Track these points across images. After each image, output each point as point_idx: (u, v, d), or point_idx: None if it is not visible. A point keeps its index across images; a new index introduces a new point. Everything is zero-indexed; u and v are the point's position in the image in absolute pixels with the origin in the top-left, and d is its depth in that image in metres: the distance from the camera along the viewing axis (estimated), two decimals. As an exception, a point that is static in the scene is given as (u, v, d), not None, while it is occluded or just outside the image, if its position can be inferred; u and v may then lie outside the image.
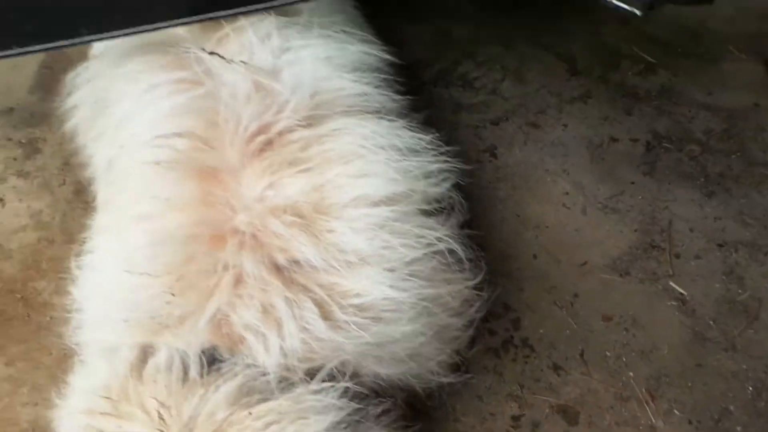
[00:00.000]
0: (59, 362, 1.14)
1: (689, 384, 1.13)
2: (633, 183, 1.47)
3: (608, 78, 1.73)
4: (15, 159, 1.49)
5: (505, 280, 1.25)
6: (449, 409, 1.05)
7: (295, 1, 0.81)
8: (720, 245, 1.34)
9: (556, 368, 1.14)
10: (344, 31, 0.90)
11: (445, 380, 0.88)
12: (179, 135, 0.72)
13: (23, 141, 1.54)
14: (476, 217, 1.35)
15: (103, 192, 0.86)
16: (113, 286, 0.68)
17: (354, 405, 0.65)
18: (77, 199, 1.41)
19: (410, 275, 0.72)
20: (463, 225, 1.00)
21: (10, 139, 1.55)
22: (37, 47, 0.85)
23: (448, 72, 1.72)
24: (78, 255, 0.81)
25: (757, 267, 1.29)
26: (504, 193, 1.45)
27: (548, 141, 1.56)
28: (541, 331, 1.19)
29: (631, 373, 1.13)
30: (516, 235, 1.36)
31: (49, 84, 1.63)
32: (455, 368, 0.94)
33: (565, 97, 1.66)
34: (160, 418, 0.59)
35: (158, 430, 0.57)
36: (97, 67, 0.89)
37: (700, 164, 1.50)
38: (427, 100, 1.59)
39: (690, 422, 1.08)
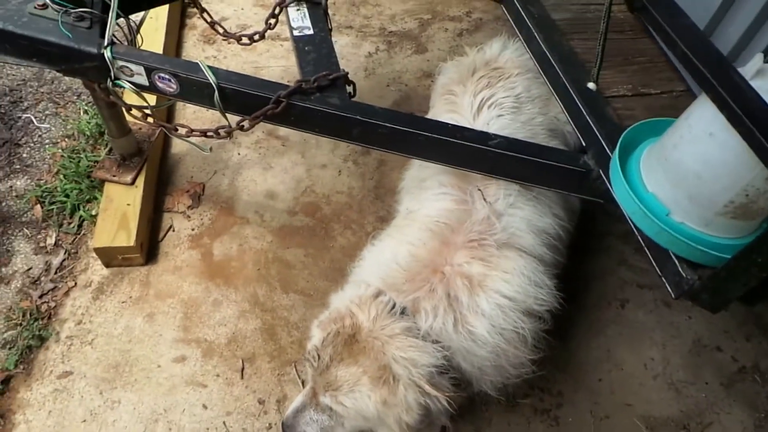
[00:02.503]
0: (329, 267, 2.15)
1: None
2: (707, 384, 1.92)
3: (753, 305, 2.13)
4: (357, 152, 2.56)
5: (570, 379, 1.89)
6: (485, 420, 1.78)
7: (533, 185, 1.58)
8: (736, 460, 1.76)
9: (563, 443, 1.77)
10: (548, 205, 1.65)
11: (492, 394, 1.59)
12: (443, 222, 1.57)
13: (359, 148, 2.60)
14: (588, 332, 2.00)
15: (399, 219, 1.76)
16: (384, 263, 1.56)
17: (445, 363, 1.42)
18: (374, 191, 2.42)
19: (500, 334, 1.45)
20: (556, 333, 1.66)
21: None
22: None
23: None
24: (372, 237, 1.73)
25: (751, 491, 1.70)
26: (613, 331, 2.04)
27: (669, 320, 2.08)
28: (570, 420, 1.81)
29: (606, 478, 1.71)
30: (598, 360, 1.96)
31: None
32: (503, 394, 1.64)
33: (705, 299, 2.13)
34: (374, 318, 1.43)
35: (371, 318, 1.41)
36: (417, 167, 1.83)
37: (772, 405, 1.88)
38: (613, 247, 2.22)
39: None
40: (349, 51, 2.92)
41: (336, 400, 1.41)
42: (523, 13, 1.83)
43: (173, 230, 2.23)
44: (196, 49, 2.88)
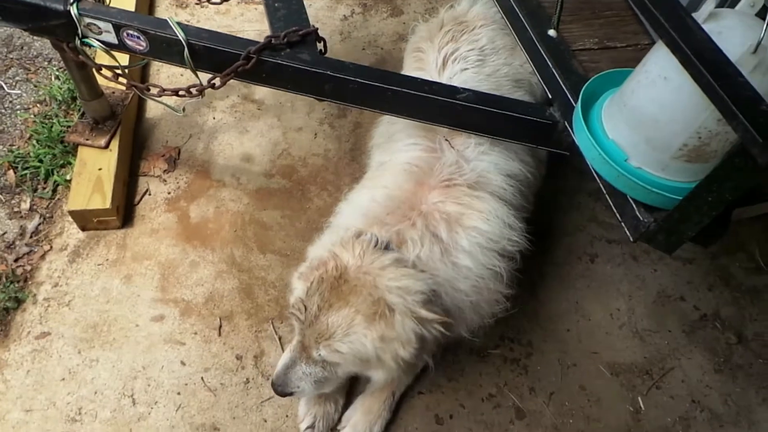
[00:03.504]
0: (305, 228, 2.18)
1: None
2: (670, 332, 2.01)
3: (717, 257, 2.21)
4: (333, 115, 2.57)
5: (540, 329, 1.96)
6: (458, 370, 1.85)
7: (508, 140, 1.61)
8: (694, 401, 1.85)
9: (531, 390, 1.84)
10: (515, 150, 1.68)
11: (466, 337, 1.60)
12: (415, 165, 1.59)
13: (341, 108, 2.61)
14: (558, 286, 2.06)
15: (371, 172, 1.77)
16: (363, 204, 1.54)
17: (436, 290, 1.40)
18: (349, 153, 2.43)
19: (480, 268, 1.46)
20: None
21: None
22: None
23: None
24: (348, 189, 1.75)
25: (707, 430, 1.79)
26: (582, 284, 2.10)
27: (635, 273, 2.15)
28: (539, 368, 1.89)
29: (571, 421, 1.78)
30: (567, 311, 2.02)
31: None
32: (475, 335, 1.68)
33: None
34: (359, 255, 1.38)
35: (357, 255, 1.37)
36: (386, 123, 1.84)
37: (731, 350, 1.97)
38: (584, 204, 2.28)
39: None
40: (325, 14, 2.90)
41: (331, 348, 1.37)
42: (492, -31, 1.85)
43: (149, 194, 2.23)
44: (168, 14, 2.83)
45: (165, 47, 1.65)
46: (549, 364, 1.90)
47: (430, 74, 1.76)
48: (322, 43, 1.73)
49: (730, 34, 1.06)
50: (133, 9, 2.58)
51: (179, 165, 2.32)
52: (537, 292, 2.05)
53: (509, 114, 1.57)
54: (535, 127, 1.59)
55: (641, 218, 1.30)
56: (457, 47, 1.77)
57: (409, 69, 1.86)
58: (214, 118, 2.47)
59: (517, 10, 1.66)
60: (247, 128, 2.45)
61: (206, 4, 2.54)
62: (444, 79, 1.72)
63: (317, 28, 1.69)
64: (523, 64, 1.77)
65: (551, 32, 1.52)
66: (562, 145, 1.60)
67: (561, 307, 2.03)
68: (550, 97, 1.59)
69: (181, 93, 1.78)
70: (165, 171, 2.29)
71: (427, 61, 1.80)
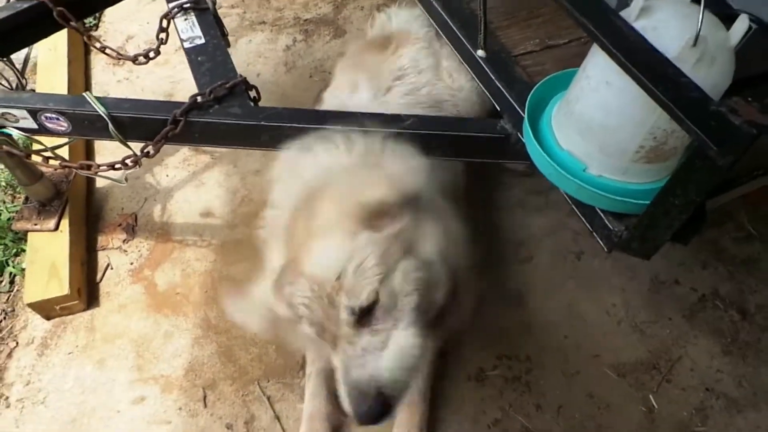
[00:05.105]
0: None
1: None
2: (670, 319, 1.92)
3: (706, 232, 2.13)
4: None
5: (536, 341, 1.87)
6: (458, 399, 1.76)
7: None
8: (707, 389, 1.76)
9: (538, 407, 1.75)
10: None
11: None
12: None
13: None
14: (547, 291, 1.97)
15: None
16: None
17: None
18: (313, 187, 2.35)
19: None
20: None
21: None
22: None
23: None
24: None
25: (726, 417, 1.71)
26: (572, 285, 2.02)
27: (624, 263, 2.06)
28: (542, 382, 1.80)
29: (583, 434, 1.70)
30: (561, 317, 1.93)
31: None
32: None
33: (657, 235, 2.11)
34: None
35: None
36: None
37: (736, 328, 1.89)
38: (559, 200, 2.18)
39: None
40: (266, 47, 2.80)
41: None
42: (420, -19, 1.76)
43: (111, 268, 2.13)
44: (105, 74, 2.74)
45: (87, 124, 1.56)
46: (552, 376, 1.81)
47: (340, 98, 1.74)
48: (253, 90, 1.64)
49: (666, 29, 0.97)
50: (65, 77, 2.49)
51: (138, 232, 2.22)
52: (526, 303, 1.96)
53: (459, 134, 1.48)
54: (488, 143, 1.50)
55: (612, 228, 1.22)
56: (377, 67, 1.74)
57: (328, 96, 1.85)
58: (167, 176, 2.38)
59: (450, 23, 1.57)
60: (203, 180, 2.36)
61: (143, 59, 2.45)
62: (357, 99, 1.68)
63: (245, 78, 1.60)
64: (452, 83, 1.73)
65: (480, 53, 1.42)
66: (519, 156, 1.50)
67: (554, 313, 1.95)
68: (498, 109, 1.50)
69: (117, 166, 1.69)
70: (124, 241, 2.19)
71: (340, 82, 1.79)
